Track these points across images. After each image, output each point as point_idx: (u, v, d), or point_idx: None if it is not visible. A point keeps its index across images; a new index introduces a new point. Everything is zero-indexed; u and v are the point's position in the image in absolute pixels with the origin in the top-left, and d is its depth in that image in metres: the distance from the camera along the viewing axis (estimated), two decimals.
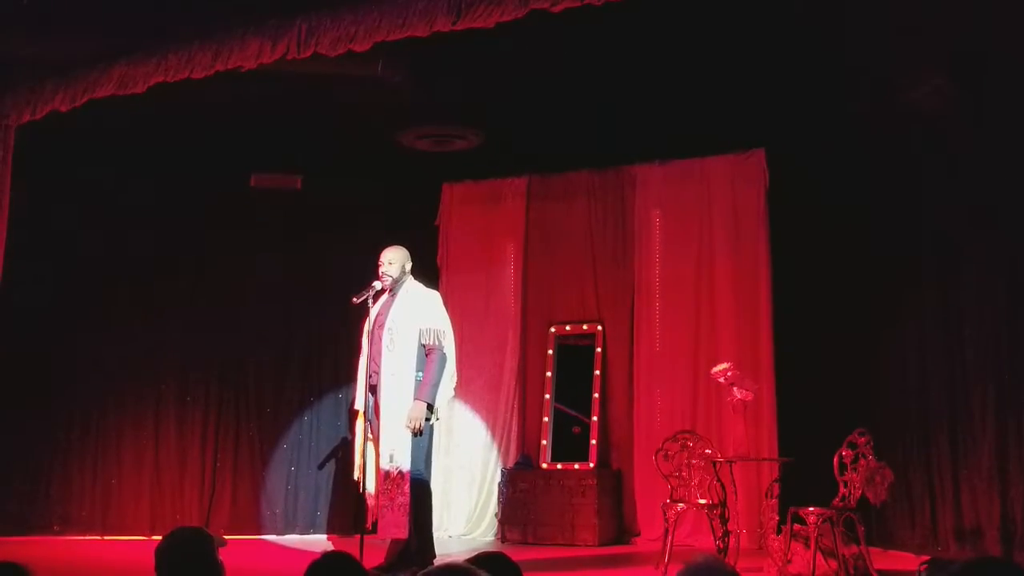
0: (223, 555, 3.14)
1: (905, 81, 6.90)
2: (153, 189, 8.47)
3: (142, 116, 7.33)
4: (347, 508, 8.39)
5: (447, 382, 6.40)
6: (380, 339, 6.25)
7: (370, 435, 6.30)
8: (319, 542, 8.24)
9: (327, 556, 2.94)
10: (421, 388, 6.17)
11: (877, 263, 7.45)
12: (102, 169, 8.27)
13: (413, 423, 6.10)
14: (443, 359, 6.28)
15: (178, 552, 3.03)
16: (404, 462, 6.08)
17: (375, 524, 6.23)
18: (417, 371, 6.21)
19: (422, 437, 6.19)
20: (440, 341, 6.27)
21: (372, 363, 6.26)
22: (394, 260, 6.37)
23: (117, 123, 7.45)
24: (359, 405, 6.39)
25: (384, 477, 6.10)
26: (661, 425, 8.33)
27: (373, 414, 6.28)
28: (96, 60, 6.33)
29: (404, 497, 6.05)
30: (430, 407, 6.21)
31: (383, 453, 6.13)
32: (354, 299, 6.25)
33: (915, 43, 6.49)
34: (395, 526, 6.05)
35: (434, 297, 6.53)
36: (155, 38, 6.16)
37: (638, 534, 8.42)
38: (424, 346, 6.25)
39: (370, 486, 6.27)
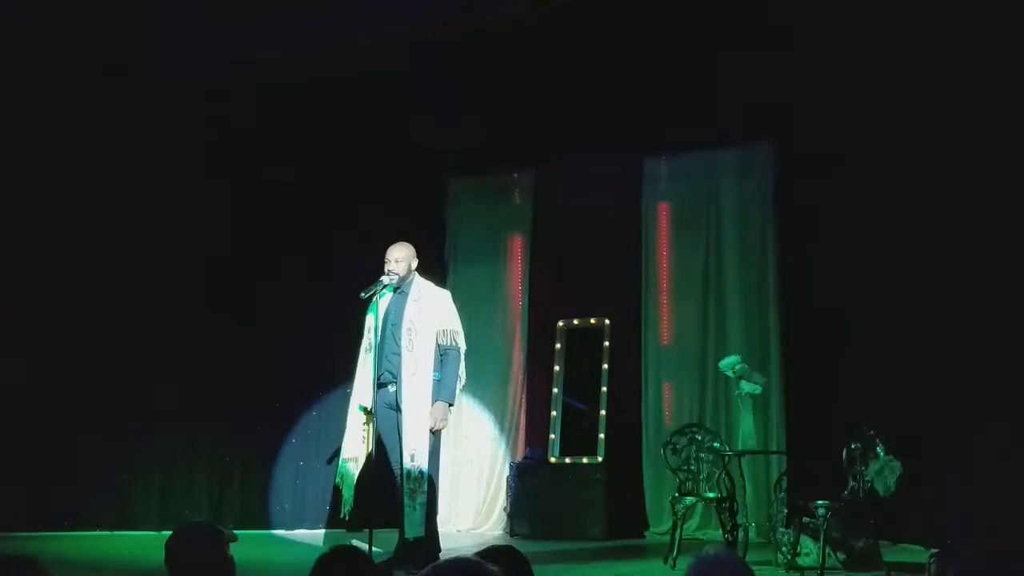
0: (233, 549, 3.14)
1: (911, 76, 6.88)
2: (155, 180, 8.43)
3: (128, 106, 7.33)
4: (356, 502, 8.37)
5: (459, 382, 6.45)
6: (394, 338, 6.26)
7: (376, 431, 6.30)
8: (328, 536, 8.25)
9: (336, 550, 2.94)
10: (443, 389, 6.22)
11: (886, 255, 7.41)
12: (111, 161, 8.24)
13: (438, 424, 6.16)
14: (459, 359, 6.33)
15: (188, 546, 3.03)
16: (424, 462, 6.11)
17: (349, 514, 6.32)
18: (435, 371, 6.24)
19: (437, 436, 6.24)
20: (457, 342, 6.32)
21: (386, 361, 6.26)
22: (401, 258, 6.36)
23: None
24: (367, 402, 6.36)
25: (406, 477, 6.11)
26: (669, 418, 8.33)
27: (389, 409, 6.27)
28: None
29: (424, 496, 6.07)
30: (450, 406, 6.30)
31: (405, 453, 6.14)
32: (362, 294, 6.25)
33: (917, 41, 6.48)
34: (419, 525, 6.07)
35: (447, 297, 6.56)
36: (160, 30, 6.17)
37: (647, 527, 8.41)
38: (441, 346, 6.28)
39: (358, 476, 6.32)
